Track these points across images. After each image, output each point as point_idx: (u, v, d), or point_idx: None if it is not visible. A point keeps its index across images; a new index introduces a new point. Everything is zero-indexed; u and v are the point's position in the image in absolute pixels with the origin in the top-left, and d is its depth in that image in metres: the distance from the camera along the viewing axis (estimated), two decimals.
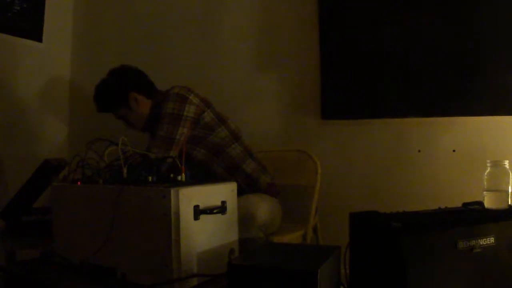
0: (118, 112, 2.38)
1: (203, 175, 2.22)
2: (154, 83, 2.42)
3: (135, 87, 2.35)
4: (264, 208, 2.10)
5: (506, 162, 1.61)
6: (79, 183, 1.64)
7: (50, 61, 3.04)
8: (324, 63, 2.69)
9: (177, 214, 1.38)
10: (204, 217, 1.47)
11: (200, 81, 2.80)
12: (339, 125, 2.69)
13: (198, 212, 1.44)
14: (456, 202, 1.67)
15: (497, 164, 1.60)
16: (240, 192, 1.79)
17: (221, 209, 1.53)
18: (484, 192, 1.61)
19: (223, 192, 1.58)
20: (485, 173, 1.62)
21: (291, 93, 2.78)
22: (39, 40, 2.94)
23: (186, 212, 1.41)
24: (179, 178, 1.55)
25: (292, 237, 2.24)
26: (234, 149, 2.31)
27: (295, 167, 2.53)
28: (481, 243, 1.40)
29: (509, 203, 1.59)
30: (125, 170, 1.60)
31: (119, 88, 2.35)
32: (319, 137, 2.70)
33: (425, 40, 2.52)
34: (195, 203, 1.44)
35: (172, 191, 1.37)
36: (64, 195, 1.66)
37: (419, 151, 2.58)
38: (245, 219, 1.91)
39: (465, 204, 1.63)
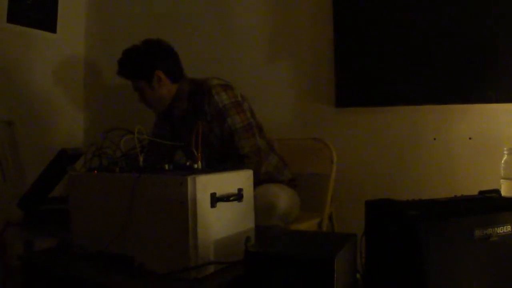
0: (137, 83, 2.31)
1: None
2: (184, 70, 2.38)
3: (164, 66, 2.28)
4: (284, 198, 2.13)
5: None
6: (95, 172, 1.66)
7: (65, 51, 3.06)
8: (338, 50, 2.68)
9: (194, 201, 1.39)
10: (221, 204, 1.48)
11: (212, 70, 2.81)
12: (353, 113, 2.68)
13: (214, 199, 1.45)
14: (472, 191, 1.66)
15: None
16: (261, 183, 1.81)
17: (238, 196, 1.54)
18: (501, 180, 1.61)
19: (239, 179, 1.59)
20: (502, 161, 1.61)
21: (305, 81, 2.78)
22: (53, 31, 2.96)
23: (203, 200, 1.42)
24: (195, 166, 1.56)
25: (308, 225, 2.26)
26: (261, 143, 2.33)
27: (310, 156, 2.54)
28: (498, 231, 1.39)
29: None
30: (141, 159, 1.62)
31: (147, 61, 2.28)
32: (334, 125, 2.71)
33: (442, 26, 2.50)
34: (212, 191, 1.45)
35: (189, 179, 1.39)
36: (81, 184, 1.68)
37: (434, 139, 2.58)
38: (266, 209, 1.94)
39: (481, 192, 1.63)
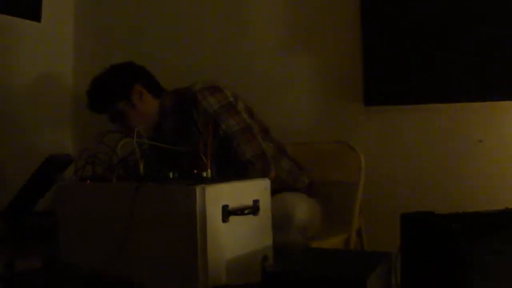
0: (116, 107, 2.34)
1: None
2: (161, 86, 2.43)
3: (142, 79, 2.36)
4: (303, 208, 2.15)
5: None
6: (88, 181, 1.68)
7: (51, 42, 3.08)
8: (366, 40, 2.68)
9: (204, 215, 1.41)
10: (234, 218, 1.50)
11: (222, 66, 2.84)
12: (385, 112, 2.69)
13: (227, 213, 1.47)
14: None
15: None
16: (274, 193, 1.82)
17: (253, 209, 1.56)
18: None
19: (255, 190, 1.61)
20: None
21: (327, 76, 2.78)
22: (38, 19, 3.00)
23: (214, 213, 1.44)
24: (204, 174, 1.58)
25: (333, 242, 2.27)
26: (267, 147, 2.34)
27: (334, 162, 2.55)
28: None
29: None
30: (141, 166, 1.64)
31: (123, 77, 2.35)
32: (362, 126, 2.71)
33: (486, 15, 2.49)
34: (224, 203, 1.47)
35: (198, 189, 1.41)
36: (71, 196, 1.70)
37: (480, 141, 2.57)
38: (281, 221, 1.96)
39: None
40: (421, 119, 2.64)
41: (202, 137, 1.61)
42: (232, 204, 1.50)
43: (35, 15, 2.99)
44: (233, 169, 2.14)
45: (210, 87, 2.28)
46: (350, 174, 2.45)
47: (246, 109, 2.34)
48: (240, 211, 1.51)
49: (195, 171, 1.62)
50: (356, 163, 2.44)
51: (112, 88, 2.34)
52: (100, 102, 2.35)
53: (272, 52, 2.89)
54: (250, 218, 1.56)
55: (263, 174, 2.05)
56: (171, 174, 1.59)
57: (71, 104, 3.21)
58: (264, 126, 2.39)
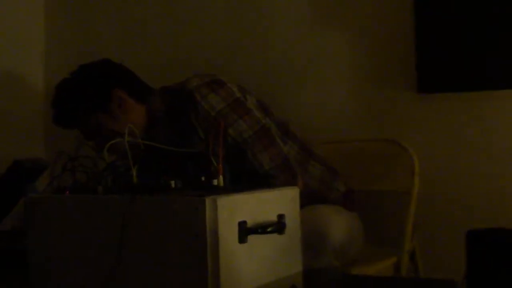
0: (90, 120, 2.35)
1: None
2: (148, 85, 2.44)
3: (122, 82, 2.36)
4: (340, 224, 2.16)
5: None
6: (67, 192, 1.70)
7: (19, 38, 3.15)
8: (419, 11, 2.68)
9: (215, 234, 1.41)
10: (254, 238, 1.50)
11: (229, 50, 2.86)
12: (445, 101, 2.68)
13: (245, 231, 1.48)
14: None
15: None
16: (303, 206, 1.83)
17: (278, 226, 1.56)
18: None
19: (280, 202, 1.62)
20: None
21: (370, 57, 2.79)
22: None
23: (228, 232, 1.44)
24: (215, 182, 1.59)
25: (379, 267, 2.27)
26: (289, 149, 2.35)
27: (380, 165, 2.55)
28: None
29: None
30: (135, 172, 1.64)
31: (98, 81, 2.36)
32: (414, 119, 2.71)
33: None
34: (241, 219, 1.48)
35: (207, 201, 1.41)
36: (46, 211, 1.70)
37: None
38: (313, 241, 1.97)
39: None
40: (492, 109, 2.63)
41: (211, 136, 1.61)
42: (252, 220, 1.51)
43: None
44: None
45: (209, 82, 2.28)
46: (400, 180, 2.46)
47: (259, 105, 2.35)
48: (261, 229, 1.52)
49: (203, 178, 1.63)
50: (408, 166, 2.44)
51: (84, 96, 2.34)
52: (69, 116, 2.37)
53: (298, 32, 2.90)
54: (274, 237, 1.57)
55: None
56: (173, 183, 1.60)
57: (43, 97, 3.24)
58: (283, 123, 2.40)
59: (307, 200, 2.25)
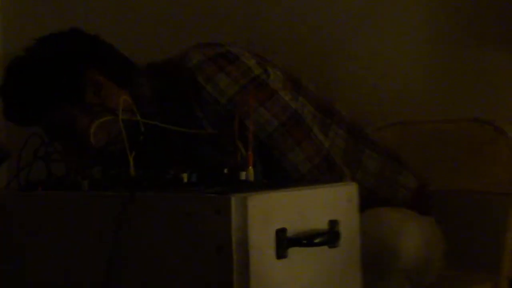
0: (56, 114, 2.28)
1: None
2: (132, 61, 2.38)
3: (97, 60, 2.31)
4: (413, 235, 2.14)
5: None
6: (40, 188, 1.71)
7: None
8: None
9: (244, 247, 1.42)
10: (297, 252, 1.51)
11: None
12: None
13: (285, 242, 1.48)
14: None
15: None
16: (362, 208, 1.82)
17: (330, 236, 1.57)
18: None
19: (332, 202, 1.62)
20: None
21: (453, 5, 2.78)
22: None
23: (262, 244, 1.45)
24: (243, 175, 1.60)
25: None
26: (334, 137, 2.34)
27: (467, 154, 2.55)
28: None
29: None
30: (132, 161, 1.65)
31: (63, 59, 2.29)
32: None
33: None
34: (279, 226, 1.48)
35: (234, 201, 1.41)
36: (10, 213, 1.73)
37: None
38: (376, 258, 1.96)
39: None
40: None
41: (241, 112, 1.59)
42: (294, 227, 1.51)
43: None
44: None
45: (216, 56, 2.24)
46: (495, 176, 2.45)
47: (287, 80, 2.32)
48: (307, 240, 1.51)
49: (226, 170, 1.64)
50: (508, 157, 2.42)
51: (45, 81, 2.27)
52: (24, 109, 2.29)
53: None
54: (324, 252, 1.57)
55: None
56: (185, 176, 1.61)
57: None
58: (324, 102, 2.38)
59: (363, 202, 2.25)
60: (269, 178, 1.89)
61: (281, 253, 1.48)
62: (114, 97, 2.23)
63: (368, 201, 2.23)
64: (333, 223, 1.59)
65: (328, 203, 1.62)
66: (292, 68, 2.39)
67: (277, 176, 2.16)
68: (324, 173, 2.22)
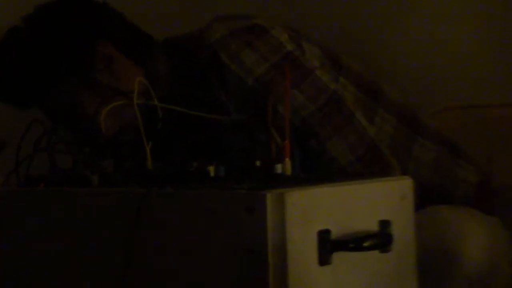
0: (57, 95, 2.30)
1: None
2: (146, 34, 2.38)
3: (107, 31, 2.31)
4: (477, 238, 2.14)
5: None
6: (42, 185, 1.72)
7: None
8: None
9: (282, 251, 1.42)
10: (343, 257, 1.51)
11: None
12: None
13: (329, 246, 1.48)
14: None
15: None
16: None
17: (381, 239, 1.57)
18: None
19: (383, 200, 1.63)
20: None
21: None
22: None
23: (303, 248, 1.45)
24: (278, 168, 1.61)
25: None
26: (380, 123, 2.33)
27: None
28: None
29: None
30: (149, 152, 1.66)
31: (68, 30, 2.29)
32: None
33: None
34: (322, 226, 1.48)
35: (270, 197, 1.41)
36: (8, 213, 1.74)
37: None
38: (435, 264, 1.96)
39: None
40: None
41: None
42: (339, 228, 1.51)
43: None
44: None
45: (242, 29, 2.25)
46: None
47: (326, 58, 2.32)
48: (354, 243, 1.52)
49: (258, 162, 1.65)
50: None
51: (46, 56, 2.28)
52: (22, 89, 2.29)
53: None
54: (374, 257, 1.58)
55: None
56: (211, 170, 1.62)
57: None
58: (369, 83, 2.38)
59: (417, 199, 2.25)
60: (307, 171, 1.87)
61: (324, 259, 1.48)
62: (127, 74, 2.24)
63: (422, 198, 2.24)
64: (385, 224, 1.59)
65: (378, 200, 1.62)
66: (332, 44, 2.38)
67: (314, 169, 2.12)
68: (369, 165, 2.21)
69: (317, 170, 2.11)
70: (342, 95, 2.23)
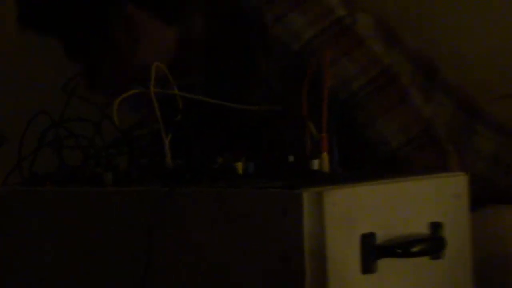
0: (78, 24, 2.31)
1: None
2: None
3: None
4: None
5: None
6: (48, 184, 1.72)
7: None
8: None
9: (320, 257, 1.42)
10: (389, 265, 1.51)
11: None
12: None
13: (373, 251, 1.48)
14: None
15: None
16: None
17: (433, 244, 1.56)
18: None
19: (434, 199, 1.62)
20: None
21: None
22: None
23: (344, 253, 1.45)
24: (314, 164, 1.60)
25: None
26: (437, 107, 2.32)
27: None
28: None
29: None
30: (168, 147, 1.66)
31: None
32: None
33: None
34: (365, 230, 1.48)
35: (306, 197, 1.41)
36: (10, 215, 1.75)
37: None
38: (494, 272, 1.95)
39: None
40: None
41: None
42: (385, 231, 1.51)
43: None
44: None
45: None
46: None
47: (381, 31, 2.32)
48: (402, 248, 1.51)
49: (292, 158, 1.64)
50: None
51: (61, 24, 2.32)
52: (45, 6, 2.32)
53: None
54: (424, 264, 1.57)
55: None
56: (239, 166, 1.61)
57: None
58: (427, 63, 2.38)
59: (473, 195, 2.24)
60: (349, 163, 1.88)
61: (367, 266, 1.48)
62: (153, 37, 2.27)
63: (480, 196, 2.24)
64: (436, 226, 1.59)
65: (429, 199, 1.61)
66: (388, 16, 2.38)
67: (362, 148, 2.16)
68: (423, 149, 2.20)
69: (361, 158, 2.10)
70: (397, 71, 2.22)
